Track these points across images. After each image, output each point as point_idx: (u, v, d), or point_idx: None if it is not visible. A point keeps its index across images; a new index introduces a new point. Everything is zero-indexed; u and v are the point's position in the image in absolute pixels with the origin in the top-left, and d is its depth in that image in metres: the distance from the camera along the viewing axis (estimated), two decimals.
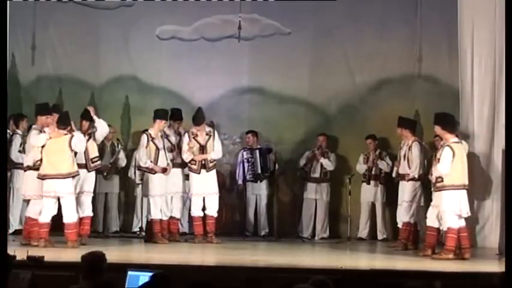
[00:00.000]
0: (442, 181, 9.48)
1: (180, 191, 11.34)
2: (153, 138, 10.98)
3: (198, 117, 11.21)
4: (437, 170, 9.49)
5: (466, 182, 9.57)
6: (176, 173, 11.29)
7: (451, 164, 9.43)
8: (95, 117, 10.59)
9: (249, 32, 12.52)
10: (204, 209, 11.20)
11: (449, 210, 9.47)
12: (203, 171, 11.17)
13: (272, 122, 12.87)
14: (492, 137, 10.71)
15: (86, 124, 10.61)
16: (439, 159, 9.53)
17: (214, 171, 11.32)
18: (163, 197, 11.05)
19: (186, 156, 11.18)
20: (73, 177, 10.05)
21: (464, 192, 9.56)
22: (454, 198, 9.47)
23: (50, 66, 13.09)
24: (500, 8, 10.13)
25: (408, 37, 12.53)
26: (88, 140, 10.43)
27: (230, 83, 12.95)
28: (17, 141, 11.33)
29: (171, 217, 11.24)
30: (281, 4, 12.42)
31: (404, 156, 10.82)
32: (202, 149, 11.21)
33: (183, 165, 11.34)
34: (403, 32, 12.57)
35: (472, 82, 10.83)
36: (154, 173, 10.94)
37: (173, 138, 11.30)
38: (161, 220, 11.03)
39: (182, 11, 12.80)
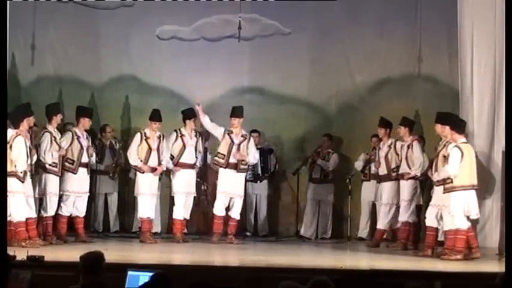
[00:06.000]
0: (452, 182, 9.42)
1: (193, 192, 11.30)
2: (147, 138, 10.98)
3: (238, 111, 11.20)
4: (446, 171, 9.43)
5: (475, 182, 9.54)
6: (191, 173, 11.26)
7: (460, 164, 9.41)
8: None
9: (249, 32, 12.53)
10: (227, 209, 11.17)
11: (458, 211, 9.42)
12: (233, 171, 11.10)
13: (272, 122, 12.88)
14: (492, 137, 10.69)
15: (87, 122, 10.73)
16: (447, 160, 9.50)
17: (243, 175, 11.27)
18: (154, 196, 11.07)
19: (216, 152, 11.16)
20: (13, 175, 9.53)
21: (473, 192, 9.52)
22: (463, 199, 9.43)
23: (50, 66, 13.08)
24: (500, 8, 10.13)
25: (408, 37, 12.55)
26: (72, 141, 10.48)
27: (230, 83, 12.96)
28: None
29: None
30: (281, 4, 12.42)
31: (399, 155, 10.84)
32: (237, 147, 11.13)
33: (194, 166, 11.29)
34: (403, 32, 12.59)
35: (472, 82, 10.81)
36: (142, 172, 10.95)
37: (187, 138, 11.22)
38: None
39: (182, 11, 12.80)
